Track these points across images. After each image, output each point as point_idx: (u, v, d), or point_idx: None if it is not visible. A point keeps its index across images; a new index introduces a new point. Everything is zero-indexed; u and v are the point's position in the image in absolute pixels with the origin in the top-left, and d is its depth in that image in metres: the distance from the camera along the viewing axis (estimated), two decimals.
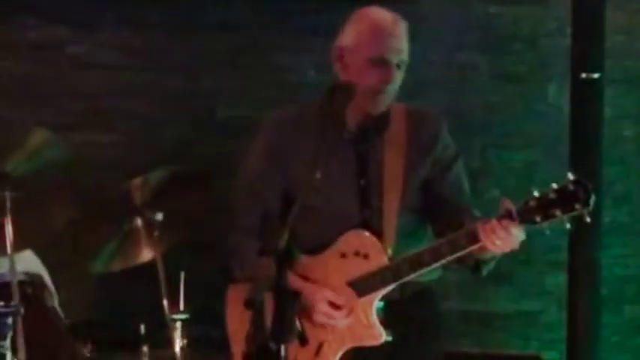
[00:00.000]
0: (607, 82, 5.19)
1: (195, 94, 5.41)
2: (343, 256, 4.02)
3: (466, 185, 4.18)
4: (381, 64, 4.00)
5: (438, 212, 4.12)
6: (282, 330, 3.47)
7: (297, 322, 4.00)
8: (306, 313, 4.02)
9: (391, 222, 4.02)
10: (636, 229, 5.54)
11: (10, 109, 5.18)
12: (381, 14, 4.07)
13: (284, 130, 4.14)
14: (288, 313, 3.53)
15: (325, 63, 5.21)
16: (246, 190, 4.14)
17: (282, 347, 3.44)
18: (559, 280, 5.24)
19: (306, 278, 4.02)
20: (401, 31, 4.04)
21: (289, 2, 5.41)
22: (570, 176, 3.75)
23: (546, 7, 5.54)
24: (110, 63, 5.37)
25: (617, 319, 5.48)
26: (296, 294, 3.98)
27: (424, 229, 4.15)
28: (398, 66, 4.02)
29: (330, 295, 3.98)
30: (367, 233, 4.02)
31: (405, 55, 4.03)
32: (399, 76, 4.04)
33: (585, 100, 5.17)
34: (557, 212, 3.75)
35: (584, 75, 5.13)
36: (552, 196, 3.75)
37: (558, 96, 5.45)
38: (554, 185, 3.75)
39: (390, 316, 4.00)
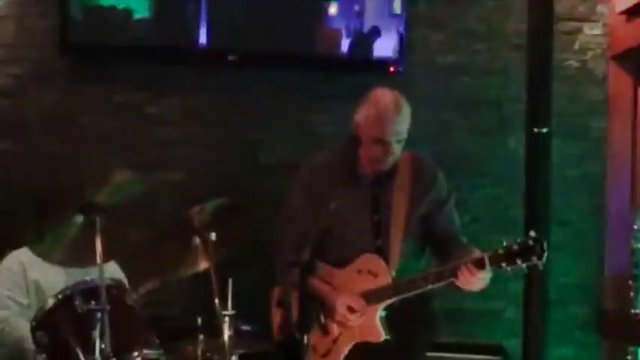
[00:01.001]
0: (554, 135, 5.17)
1: (241, 143, 5.40)
2: (359, 272, 4.04)
3: (456, 218, 4.19)
4: (382, 143, 3.98)
5: (434, 240, 4.13)
6: (305, 323, 3.47)
7: (322, 318, 4.00)
8: (330, 311, 4.01)
9: (396, 249, 4.02)
10: (576, 248, 5.50)
11: (101, 154, 5.18)
12: (388, 100, 3.99)
13: (317, 173, 4.14)
14: (309, 311, 3.53)
15: (341, 120, 5.25)
16: (287, 217, 4.15)
17: (305, 336, 3.44)
18: (518, 285, 5.19)
19: (330, 284, 4.03)
20: (401, 117, 3.99)
21: (313, 73, 5.39)
22: (532, 234, 3.75)
23: (507, 78, 5.52)
24: (176, 119, 5.37)
25: (561, 316, 5.43)
26: (316, 296, 3.98)
27: (423, 252, 4.15)
28: (398, 141, 4.00)
29: (349, 300, 3.97)
30: (378, 257, 4.02)
31: (403, 135, 4.00)
32: (397, 148, 4.02)
33: (537, 149, 5.15)
34: (519, 261, 3.76)
35: (536, 129, 5.11)
36: (516, 247, 3.75)
37: (517, 146, 5.41)
38: (518, 239, 3.75)
39: (396, 316, 3.98)
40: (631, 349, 5.42)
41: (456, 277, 3.82)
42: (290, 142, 5.38)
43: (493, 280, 5.12)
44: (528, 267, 3.76)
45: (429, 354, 4.26)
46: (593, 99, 5.58)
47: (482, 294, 4.82)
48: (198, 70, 5.33)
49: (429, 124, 5.39)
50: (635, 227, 5.46)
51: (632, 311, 5.40)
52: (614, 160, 5.55)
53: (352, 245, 4.03)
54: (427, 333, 4.21)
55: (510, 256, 3.75)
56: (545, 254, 3.72)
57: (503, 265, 3.77)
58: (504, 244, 3.77)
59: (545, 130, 5.11)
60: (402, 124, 3.99)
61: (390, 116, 3.96)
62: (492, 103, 5.52)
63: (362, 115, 4.01)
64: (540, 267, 3.76)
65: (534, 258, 3.73)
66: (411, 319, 4.01)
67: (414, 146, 4.40)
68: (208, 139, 5.36)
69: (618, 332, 5.46)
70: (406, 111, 4.01)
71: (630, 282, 5.44)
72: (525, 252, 3.73)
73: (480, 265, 3.80)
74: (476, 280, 3.82)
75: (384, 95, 4.03)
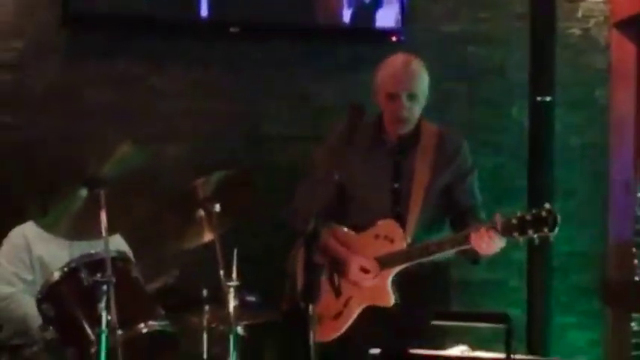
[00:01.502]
0: (557, 103, 5.16)
1: (243, 115, 5.38)
2: (376, 237, 4.08)
3: (477, 192, 4.21)
4: (393, 98, 4.03)
5: (454, 211, 4.16)
6: (310, 293, 3.48)
7: (336, 279, 4.04)
8: (343, 272, 4.04)
9: (414, 217, 4.05)
10: (580, 216, 5.50)
11: (104, 127, 5.17)
12: (398, 59, 4.13)
13: (341, 141, 4.17)
14: (314, 281, 3.54)
15: (343, 90, 5.26)
16: (308, 182, 4.18)
17: (310, 306, 3.45)
18: (521, 255, 5.20)
19: (348, 247, 4.06)
20: (410, 72, 4.10)
21: (314, 45, 5.38)
22: (546, 205, 3.74)
23: (510, 47, 5.51)
24: (181, 91, 5.36)
25: (564, 285, 5.45)
26: (322, 267, 4.00)
27: (443, 223, 4.17)
28: (409, 97, 4.05)
29: (363, 261, 4.01)
30: (396, 223, 4.05)
31: (414, 91, 4.06)
32: (413, 105, 4.07)
33: (541, 118, 5.14)
34: (530, 232, 3.74)
35: (539, 98, 5.10)
36: (529, 218, 3.74)
37: (520, 114, 5.41)
38: (533, 210, 3.74)
39: (409, 282, 4.01)
40: (635, 316, 5.44)
41: (470, 241, 3.84)
42: (292, 113, 5.38)
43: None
44: (539, 238, 3.76)
45: (434, 322, 4.28)
46: (597, 67, 5.57)
47: (487, 264, 4.85)
48: (200, 42, 5.32)
49: (432, 93, 5.35)
50: (639, 195, 5.47)
51: (636, 279, 5.42)
52: (618, 129, 5.55)
53: (371, 211, 4.09)
54: (440, 302, 4.24)
55: (523, 226, 3.75)
56: (558, 226, 3.71)
57: (515, 234, 3.77)
58: (517, 214, 3.77)
59: (548, 98, 5.10)
60: (412, 79, 4.08)
61: (398, 71, 4.08)
62: (495, 72, 5.51)
63: (377, 79, 4.11)
64: (552, 239, 3.76)
65: (546, 229, 3.73)
66: (425, 287, 4.04)
67: None
68: (210, 110, 5.35)
69: (622, 300, 5.48)
70: (417, 69, 4.11)
71: (634, 250, 5.46)
72: (538, 223, 3.73)
73: (494, 230, 3.82)
74: (491, 243, 3.82)
75: (396, 56, 4.18)
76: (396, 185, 4.10)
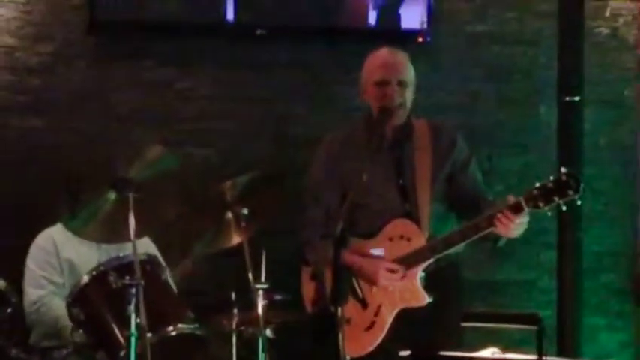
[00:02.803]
0: (585, 103, 5.13)
1: (272, 117, 5.38)
2: (391, 239, 4.00)
3: (480, 178, 4.17)
4: (383, 84, 4.00)
5: (460, 200, 4.11)
6: (339, 296, 3.46)
7: (359, 291, 3.99)
8: (366, 283, 3.98)
9: (425, 211, 4.00)
10: (609, 216, 5.46)
11: (132, 130, 5.19)
12: (384, 51, 4.10)
13: (333, 147, 4.16)
14: (342, 283, 3.51)
15: None
16: (311, 194, 4.15)
17: (339, 309, 3.43)
18: (550, 255, 5.17)
19: (362, 256, 4.01)
20: (397, 59, 4.05)
21: (340, 46, 5.37)
22: (563, 170, 3.71)
23: (538, 46, 5.47)
24: (208, 94, 5.36)
25: (595, 285, 5.41)
26: (349, 269, 3.95)
27: (450, 214, 4.13)
28: (400, 83, 4.01)
29: (387, 264, 3.96)
30: (409, 221, 4.00)
31: (404, 77, 4.01)
32: (405, 93, 4.02)
33: (569, 118, 5.12)
34: (556, 198, 3.71)
35: (567, 98, 5.08)
36: (550, 185, 3.71)
37: (548, 115, 5.37)
38: (551, 177, 3.71)
39: (429, 282, 3.98)
40: None
41: (494, 225, 3.79)
42: (318, 115, 5.36)
43: (525, 249, 5.17)
44: (566, 204, 3.72)
45: (465, 324, 4.25)
46: (625, 66, 5.53)
47: (516, 264, 4.83)
48: (227, 45, 5.32)
49: (459, 94, 5.37)
50: None
51: None
52: None
53: (380, 213, 4.01)
54: (461, 299, 4.20)
55: (546, 195, 3.71)
56: (582, 187, 3.68)
57: (541, 205, 3.73)
58: (537, 184, 3.74)
59: (576, 98, 5.08)
60: (401, 67, 4.05)
61: (386, 59, 4.06)
62: (523, 72, 5.47)
63: (363, 73, 4.11)
64: (578, 201, 3.72)
65: (571, 192, 3.69)
66: (445, 285, 4.00)
67: (443, 115, 4.40)
68: (237, 113, 5.35)
69: None
70: (405, 59, 4.08)
71: None
72: (561, 188, 3.70)
73: (517, 209, 3.77)
74: (514, 226, 3.79)
75: (377, 50, 4.14)
76: (401, 182, 4.05)
